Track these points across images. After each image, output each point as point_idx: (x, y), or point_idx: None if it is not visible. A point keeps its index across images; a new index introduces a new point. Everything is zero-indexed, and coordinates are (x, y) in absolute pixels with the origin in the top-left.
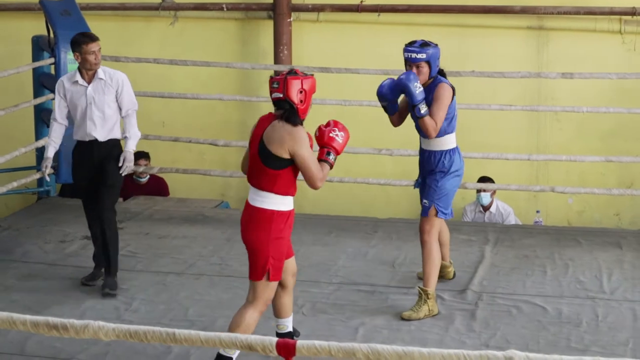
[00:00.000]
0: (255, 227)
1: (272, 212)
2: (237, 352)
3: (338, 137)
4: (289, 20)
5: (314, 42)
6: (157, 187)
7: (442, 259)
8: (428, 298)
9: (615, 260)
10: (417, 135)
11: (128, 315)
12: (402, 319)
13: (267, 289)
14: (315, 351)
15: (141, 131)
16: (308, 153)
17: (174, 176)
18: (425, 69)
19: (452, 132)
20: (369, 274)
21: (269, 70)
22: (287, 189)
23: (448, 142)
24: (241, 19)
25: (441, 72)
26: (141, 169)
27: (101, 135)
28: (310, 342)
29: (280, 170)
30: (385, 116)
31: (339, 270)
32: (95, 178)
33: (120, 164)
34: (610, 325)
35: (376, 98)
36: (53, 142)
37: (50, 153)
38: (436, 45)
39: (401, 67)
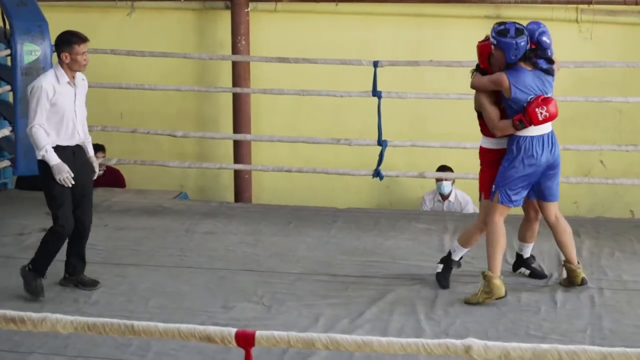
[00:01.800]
0: (480, 160)
1: (485, 149)
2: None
3: (540, 115)
4: (246, 10)
5: (272, 32)
6: (114, 179)
7: (568, 260)
8: (486, 281)
9: None
10: (375, 126)
11: (87, 308)
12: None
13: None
14: (275, 342)
15: (99, 122)
16: (486, 103)
17: (132, 167)
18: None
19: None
20: (329, 263)
21: (226, 61)
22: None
23: None
24: (199, 9)
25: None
26: (99, 161)
27: (84, 139)
28: (269, 333)
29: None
30: (343, 106)
31: (299, 261)
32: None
33: (96, 170)
34: (569, 313)
35: (334, 88)
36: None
37: (57, 157)
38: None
39: (358, 56)
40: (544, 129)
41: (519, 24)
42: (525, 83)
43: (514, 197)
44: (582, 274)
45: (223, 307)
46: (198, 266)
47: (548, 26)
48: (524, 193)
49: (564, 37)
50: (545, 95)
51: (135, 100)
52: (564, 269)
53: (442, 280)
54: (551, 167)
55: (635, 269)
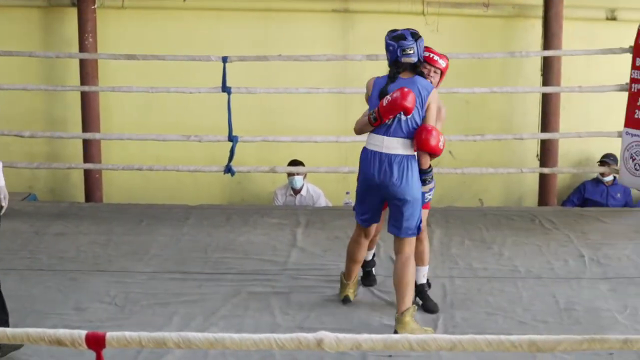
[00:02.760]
0: None
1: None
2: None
3: (385, 100)
4: (93, 7)
5: (120, 29)
6: None
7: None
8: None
9: None
10: (225, 121)
11: None
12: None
13: None
14: (126, 342)
15: None
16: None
17: None
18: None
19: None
20: (182, 261)
21: (74, 59)
22: None
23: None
24: (44, 6)
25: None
26: None
27: None
28: (120, 334)
29: None
30: (194, 102)
31: (151, 259)
32: None
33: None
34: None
35: (185, 84)
36: None
37: None
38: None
39: (208, 51)
40: (379, 145)
41: (417, 35)
42: (380, 88)
43: (360, 215)
44: (398, 328)
45: (75, 308)
46: (49, 268)
47: (395, 19)
48: (370, 214)
49: None
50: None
51: None
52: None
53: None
54: (392, 195)
55: (484, 257)
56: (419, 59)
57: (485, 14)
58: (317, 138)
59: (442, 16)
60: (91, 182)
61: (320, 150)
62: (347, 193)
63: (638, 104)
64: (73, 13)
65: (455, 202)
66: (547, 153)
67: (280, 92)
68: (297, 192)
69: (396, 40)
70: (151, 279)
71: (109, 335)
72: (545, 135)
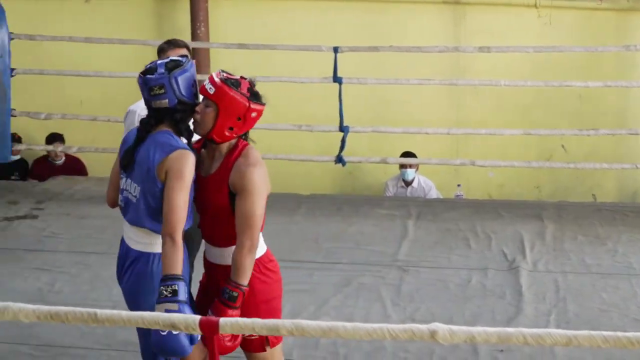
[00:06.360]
0: None
1: None
2: None
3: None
4: None
5: (232, 18)
6: (74, 168)
7: None
8: None
9: (536, 232)
10: (336, 111)
11: (52, 297)
12: None
13: None
14: (239, 328)
15: (59, 110)
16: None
17: (93, 155)
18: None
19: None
20: (293, 250)
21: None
22: None
23: None
24: None
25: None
26: (60, 149)
27: None
28: (234, 320)
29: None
30: (306, 91)
31: None
32: None
33: None
34: (533, 297)
35: (296, 74)
36: None
37: None
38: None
39: (323, 41)
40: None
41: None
42: (125, 149)
43: None
44: None
45: None
46: None
47: (507, 11)
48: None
49: (523, 22)
50: None
51: (96, 87)
52: None
53: None
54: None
55: (598, 253)
56: (179, 102)
57: (600, 7)
58: (428, 130)
59: (555, 9)
60: None
61: (432, 142)
62: (459, 185)
63: None
64: (185, 2)
65: (568, 197)
66: None
67: (391, 83)
68: (408, 183)
69: (143, 75)
70: None
71: (223, 320)
72: None
